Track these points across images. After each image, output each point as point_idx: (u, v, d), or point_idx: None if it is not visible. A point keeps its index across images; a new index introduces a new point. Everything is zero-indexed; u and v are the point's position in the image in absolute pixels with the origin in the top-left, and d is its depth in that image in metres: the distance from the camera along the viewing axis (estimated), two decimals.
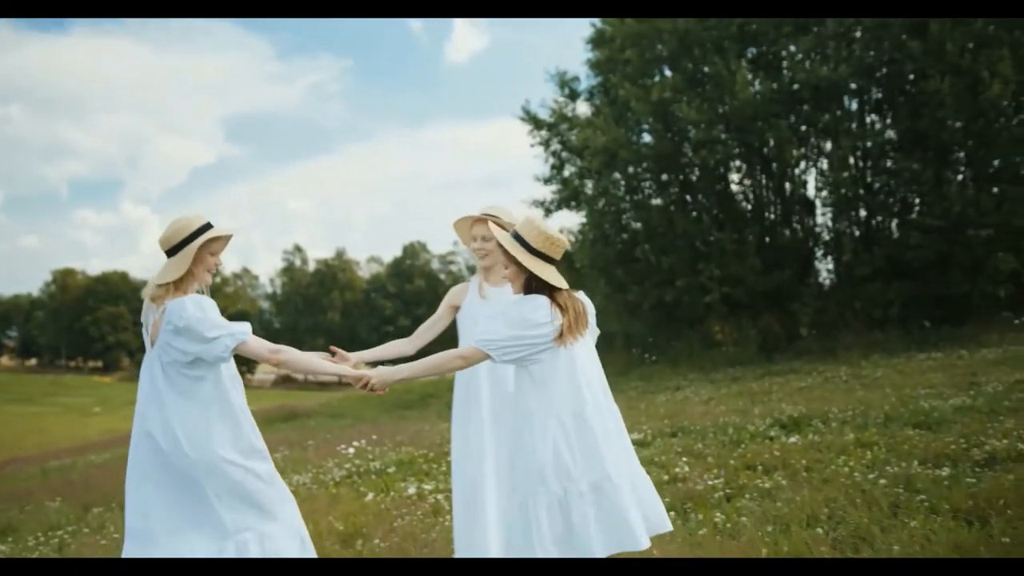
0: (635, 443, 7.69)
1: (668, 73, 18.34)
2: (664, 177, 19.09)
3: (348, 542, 5.50)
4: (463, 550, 4.03)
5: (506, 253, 3.40)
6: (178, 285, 3.47)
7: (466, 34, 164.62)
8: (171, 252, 3.47)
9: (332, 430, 15.52)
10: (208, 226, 3.51)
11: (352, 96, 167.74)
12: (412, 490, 6.77)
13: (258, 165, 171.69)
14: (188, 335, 3.36)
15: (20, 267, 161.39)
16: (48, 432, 43.23)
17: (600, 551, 3.16)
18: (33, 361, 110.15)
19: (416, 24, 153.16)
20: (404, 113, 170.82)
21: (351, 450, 9.48)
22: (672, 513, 5.10)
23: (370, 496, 6.77)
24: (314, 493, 7.30)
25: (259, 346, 3.47)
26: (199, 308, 3.39)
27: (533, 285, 3.36)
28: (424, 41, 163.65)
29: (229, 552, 3.42)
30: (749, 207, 18.93)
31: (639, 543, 3.18)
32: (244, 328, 3.44)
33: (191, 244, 3.46)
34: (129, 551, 3.50)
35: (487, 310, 4.04)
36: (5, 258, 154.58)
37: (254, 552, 3.45)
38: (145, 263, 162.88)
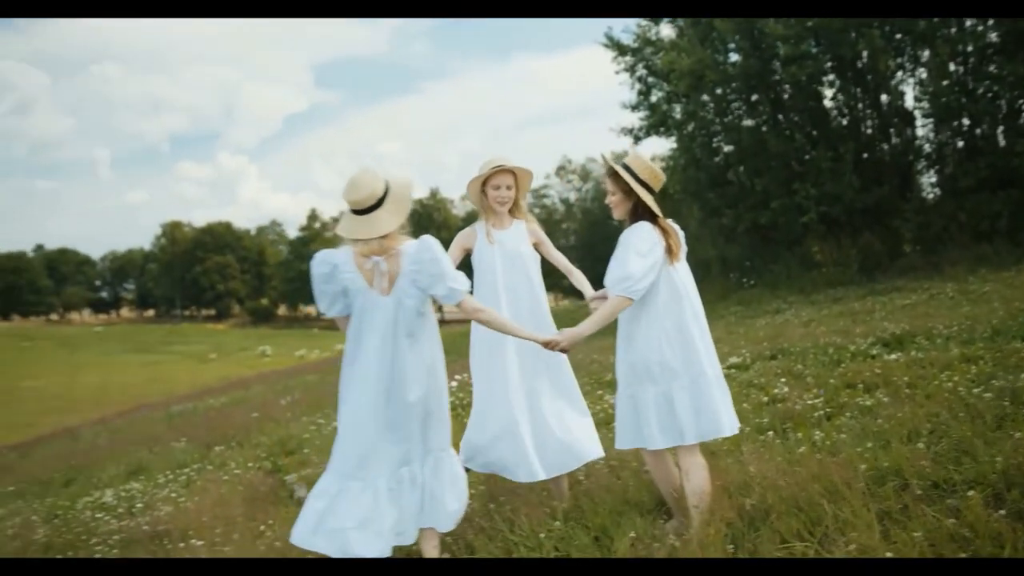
0: (734, 367, 7.76)
1: None
2: (754, 97, 18.57)
3: None
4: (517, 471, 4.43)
5: (617, 179, 3.89)
6: (396, 233, 3.71)
7: None
8: (373, 207, 3.66)
9: None
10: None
11: (436, 34, 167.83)
12: None
13: (348, 109, 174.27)
14: (438, 272, 3.64)
15: (131, 222, 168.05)
16: (169, 379, 45.33)
17: (693, 438, 3.77)
18: (151, 312, 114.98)
19: None
20: (488, 48, 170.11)
21: (454, 383, 9.73)
22: (771, 433, 5.16)
23: None
24: None
25: (470, 300, 3.80)
26: (443, 250, 3.74)
27: (639, 211, 3.89)
28: None
29: (428, 466, 3.81)
30: (844, 122, 18.31)
31: (725, 431, 3.84)
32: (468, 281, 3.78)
33: (401, 193, 3.72)
34: (340, 472, 3.73)
35: (501, 252, 4.57)
36: (116, 214, 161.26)
37: (445, 466, 3.85)
38: (245, 212, 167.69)
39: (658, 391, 3.79)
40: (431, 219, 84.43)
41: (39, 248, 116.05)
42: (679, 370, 3.79)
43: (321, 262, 3.77)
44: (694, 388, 3.79)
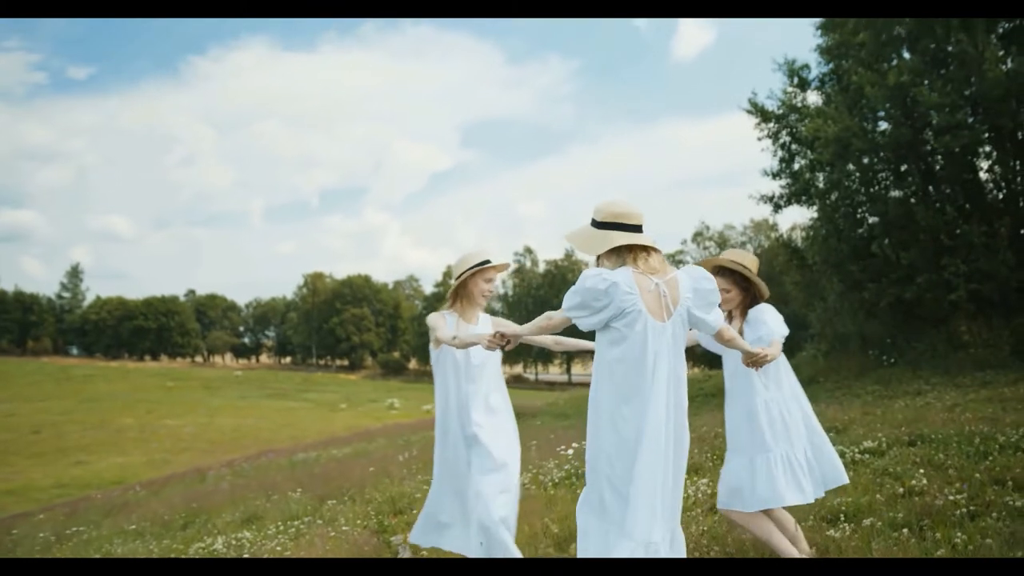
0: (868, 451, 7.26)
1: (906, 55, 17.17)
2: (903, 167, 17.88)
3: (562, 546, 5.46)
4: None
5: (733, 275, 4.31)
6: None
7: (693, 29, 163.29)
8: (636, 227, 3.46)
9: (556, 430, 15.64)
10: None
11: (581, 98, 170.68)
12: None
13: (492, 169, 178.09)
14: (716, 299, 3.58)
15: (277, 271, 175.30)
16: (299, 426, 46.51)
17: (812, 495, 4.22)
18: (288, 359, 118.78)
19: (643, 21, 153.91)
20: (632, 112, 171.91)
21: (570, 451, 9.47)
22: (906, 530, 4.70)
23: None
24: (532, 494, 7.34)
25: (729, 328, 3.87)
26: None
27: (756, 297, 4.35)
28: (651, 38, 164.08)
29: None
30: (1000, 196, 17.37)
31: (809, 498, 4.23)
32: None
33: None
34: (635, 538, 3.32)
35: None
36: (265, 263, 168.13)
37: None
38: (386, 266, 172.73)
39: (783, 453, 4.20)
40: (565, 280, 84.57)
41: (190, 293, 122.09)
42: (794, 439, 4.27)
43: (599, 277, 3.35)
44: (812, 455, 4.33)
